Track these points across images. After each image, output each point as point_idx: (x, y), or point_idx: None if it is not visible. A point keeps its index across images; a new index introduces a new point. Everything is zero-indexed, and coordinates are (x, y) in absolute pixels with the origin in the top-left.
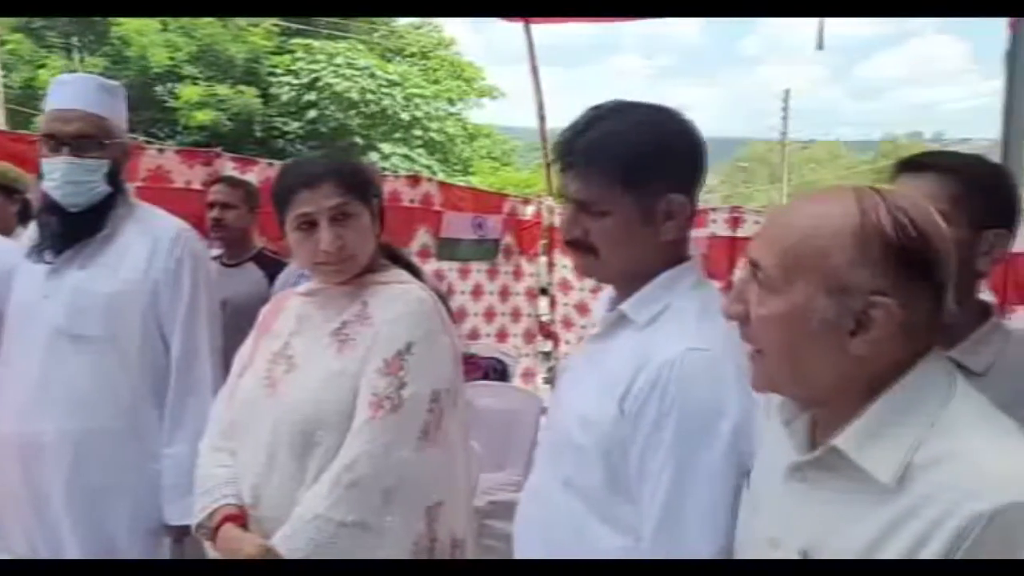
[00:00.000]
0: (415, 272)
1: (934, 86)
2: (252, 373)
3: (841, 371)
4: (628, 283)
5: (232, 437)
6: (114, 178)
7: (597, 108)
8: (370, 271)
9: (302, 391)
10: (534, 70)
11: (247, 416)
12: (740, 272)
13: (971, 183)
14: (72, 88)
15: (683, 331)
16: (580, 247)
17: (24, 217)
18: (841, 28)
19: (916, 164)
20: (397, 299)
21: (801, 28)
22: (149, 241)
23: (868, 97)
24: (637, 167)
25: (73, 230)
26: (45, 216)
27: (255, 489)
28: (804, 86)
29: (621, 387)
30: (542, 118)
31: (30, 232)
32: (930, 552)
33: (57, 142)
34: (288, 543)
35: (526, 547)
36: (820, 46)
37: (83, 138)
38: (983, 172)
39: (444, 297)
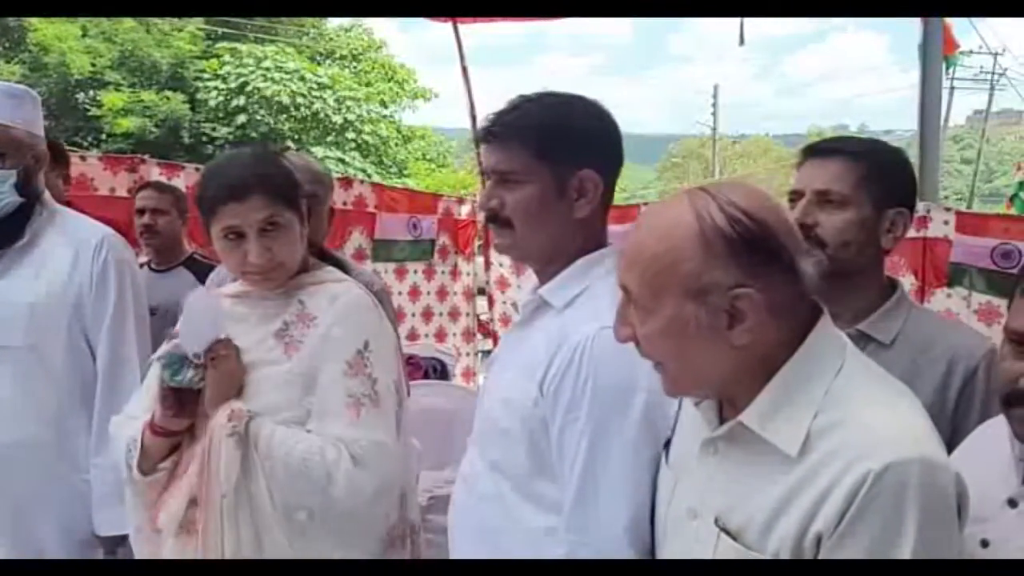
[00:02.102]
0: (344, 267)
1: (855, 80)
2: None
3: (733, 363)
4: (546, 266)
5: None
6: (26, 187)
7: (521, 95)
8: (302, 271)
9: (256, 392)
10: (464, 71)
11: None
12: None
13: (873, 166)
14: None
15: (597, 311)
16: (497, 221)
17: None
18: (764, 25)
19: (822, 150)
20: (337, 299)
21: (727, 26)
22: (72, 248)
23: (794, 92)
24: (551, 138)
25: None
26: None
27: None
28: (732, 83)
29: (540, 369)
30: (474, 118)
31: None
32: (829, 509)
33: None
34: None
35: (459, 532)
36: (742, 42)
37: None
38: (884, 156)
39: (380, 291)
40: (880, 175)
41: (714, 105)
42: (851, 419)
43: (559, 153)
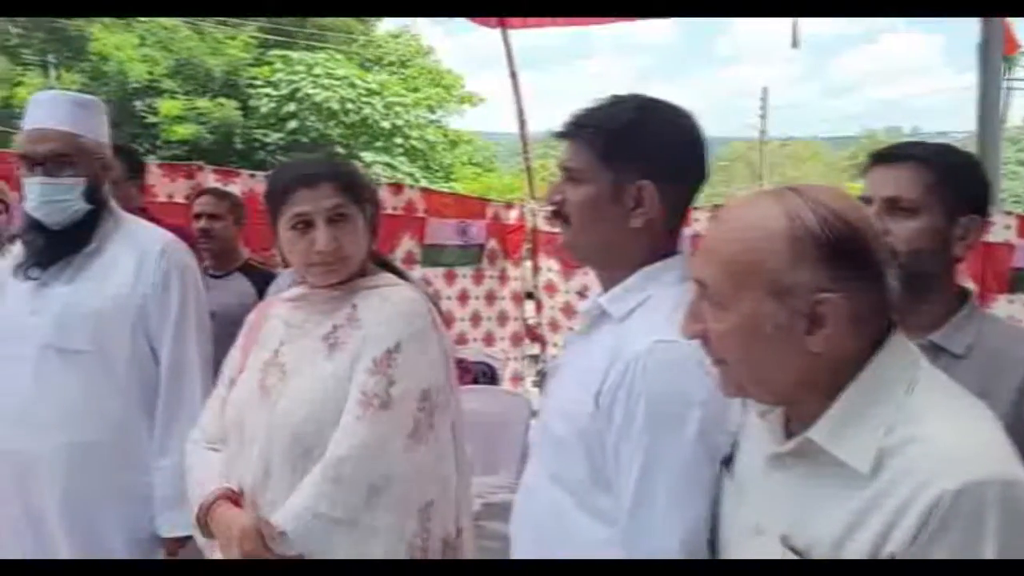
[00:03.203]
0: (403, 278)
1: (908, 81)
2: (244, 382)
3: (803, 370)
4: (606, 272)
5: (225, 445)
6: (94, 195)
7: (617, 95)
8: (360, 275)
9: (295, 398)
10: (513, 75)
11: (241, 426)
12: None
13: (944, 172)
14: (45, 107)
15: (653, 324)
16: (557, 215)
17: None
18: (814, 26)
19: (890, 155)
20: (386, 300)
21: (775, 27)
22: (136, 255)
23: (844, 94)
24: (616, 143)
25: (57, 247)
26: (29, 234)
27: (251, 498)
28: (780, 84)
29: (596, 381)
30: (522, 123)
31: (16, 249)
32: (902, 532)
33: (32, 162)
34: (283, 527)
35: (519, 542)
36: (795, 44)
37: (57, 158)
38: (955, 161)
39: (434, 301)
40: (952, 181)
41: (762, 107)
42: (924, 436)
43: (621, 159)
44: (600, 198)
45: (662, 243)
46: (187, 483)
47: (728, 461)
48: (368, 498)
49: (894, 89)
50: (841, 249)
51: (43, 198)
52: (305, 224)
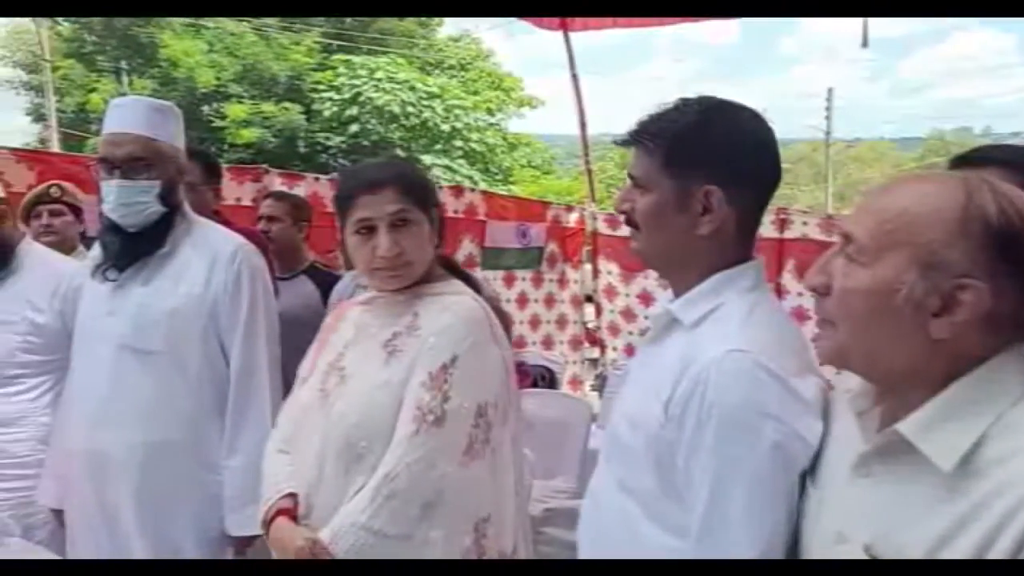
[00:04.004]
0: (472, 283)
1: (979, 81)
2: (309, 384)
3: (916, 353)
4: (678, 279)
5: (291, 446)
6: (169, 198)
7: (685, 98)
8: (426, 281)
9: (349, 403)
10: (574, 78)
11: (301, 426)
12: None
13: None
14: (123, 112)
15: (726, 332)
16: (628, 221)
17: (82, 236)
18: (881, 25)
19: (974, 159)
20: (446, 310)
21: (840, 27)
22: (208, 257)
23: (912, 94)
24: (679, 150)
25: (133, 249)
26: (106, 236)
27: (307, 499)
28: (845, 85)
29: (666, 390)
30: (582, 125)
31: (94, 251)
32: (999, 548)
33: (110, 165)
34: (331, 546)
35: (585, 549)
36: (865, 44)
37: (134, 161)
38: None
39: (500, 310)
40: None
41: (828, 108)
42: None
43: (684, 165)
44: (665, 205)
45: (733, 248)
46: (264, 482)
47: (810, 472)
48: (422, 513)
49: (964, 89)
50: (1006, 241)
51: (120, 200)
52: (368, 229)
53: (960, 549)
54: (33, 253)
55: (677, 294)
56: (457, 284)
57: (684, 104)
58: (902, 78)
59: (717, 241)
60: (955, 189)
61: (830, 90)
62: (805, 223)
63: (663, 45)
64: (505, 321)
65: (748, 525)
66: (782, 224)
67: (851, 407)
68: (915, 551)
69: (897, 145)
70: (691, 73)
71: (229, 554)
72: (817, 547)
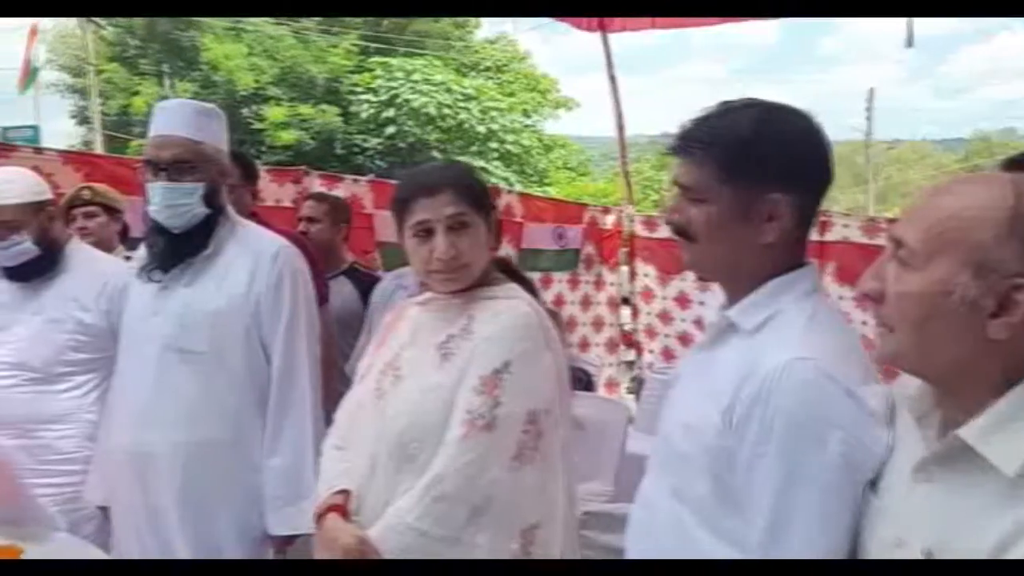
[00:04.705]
0: (529, 287)
1: (1022, 81)
2: (364, 382)
3: (974, 354)
4: (734, 285)
5: (346, 444)
6: (213, 199)
7: (727, 102)
8: (483, 284)
9: (402, 403)
10: (612, 79)
11: (357, 424)
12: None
13: None
14: (169, 115)
15: (787, 339)
16: (679, 233)
17: (123, 236)
18: (923, 25)
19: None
20: (500, 314)
21: (882, 27)
22: (251, 259)
23: (955, 95)
24: (738, 158)
25: (178, 250)
26: (152, 237)
27: (358, 499)
28: (886, 85)
29: (726, 397)
30: (621, 127)
31: (140, 252)
32: None
33: (156, 167)
34: (379, 545)
35: (636, 555)
36: (910, 43)
37: (179, 163)
38: None
39: (556, 314)
40: None
41: (868, 108)
42: None
43: (746, 174)
44: (728, 216)
45: (791, 254)
46: (321, 478)
47: (873, 482)
48: (469, 517)
49: (1009, 89)
50: None
51: (165, 201)
52: (426, 232)
53: (1022, 553)
54: (81, 253)
55: (731, 300)
56: (512, 288)
57: (731, 108)
58: (944, 78)
59: (778, 248)
60: (1003, 189)
61: (871, 90)
62: (846, 225)
63: (700, 45)
64: (560, 325)
65: (812, 536)
66: (823, 227)
67: (910, 411)
68: (976, 556)
69: (939, 146)
70: (729, 73)
71: (269, 554)
72: (875, 553)
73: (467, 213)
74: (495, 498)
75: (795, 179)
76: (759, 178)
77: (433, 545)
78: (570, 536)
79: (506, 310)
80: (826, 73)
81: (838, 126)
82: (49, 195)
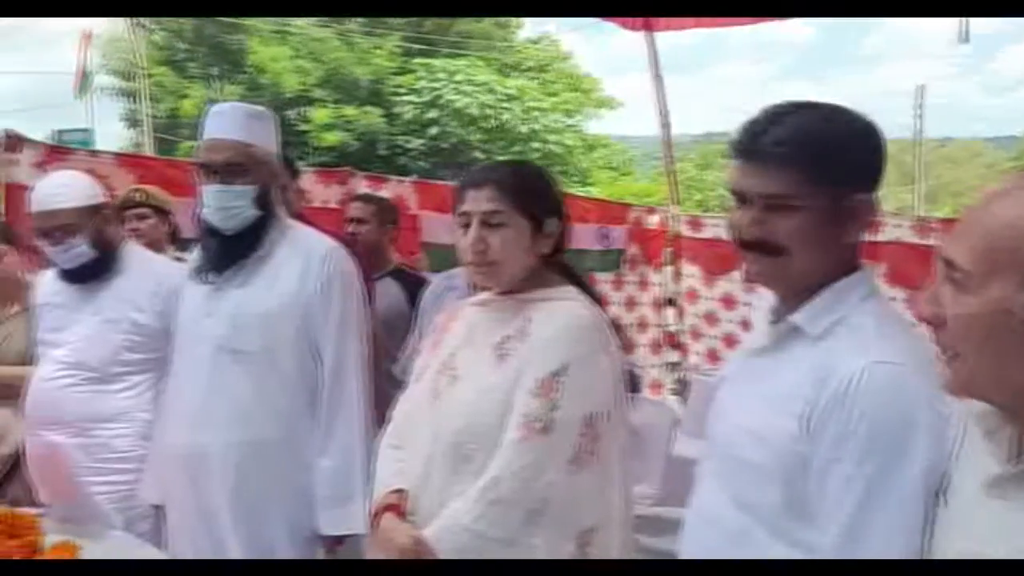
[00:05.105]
0: (587, 290)
1: None
2: (419, 383)
3: None
4: (800, 292)
5: (402, 443)
6: (264, 201)
7: (778, 106)
8: (540, 286)
9: (458, 404)
10: (658, 78)
11: (413, 424)
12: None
13: None
14: (222, 118)
15: (864, 343)
16: (762, 248)
17: (173, 237)
18: (974, 21)
19: None
20: (556, 316)
21: (927, 22)
22: (301, 260)
23: (1007, 92)
24: (828, 160)
25: (230, 251)
26: (205, 239)
27: (414, 499)
28: (934, 82)
29: (799, 403)
30: (666, 126)
31: (194, 254)
32: None
33: (209, 170)
34: (434, 545)
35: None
36: (965, 39)
37: (231, 166)
38: None
39: (614, 322)
40: None
41: (917, 106)
42: None
43: (836, 176)
44: (821, 221)
45: (853, 257)
46: (376, 476)
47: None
48: (526, 520)
49: None
50: None
51: (218, 204)
52: (466, 225)
53: None
54: (135, 255)
55: (787, 304)
56: (570, 290)
57: (798, 109)
58: (995, 75)
59: (847, 249)
60: None
61: (920, 87)
62: (898, 225)
63: (739, 44)
64: (618, 328)
65: (892, 542)
66: (873, 227)
67: (976, 424)
68: None
69: (991, 144)
70: (771, 71)
71: (320, 554)
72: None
73: (504, 212)
74: (551, 501)
75: (872, 178)
76: (848, 179)
77: (489, 546)
78: (627, 539)
79: (563, 312)
80: (870, 71)
81: (885, 124)
82: (104, 198)
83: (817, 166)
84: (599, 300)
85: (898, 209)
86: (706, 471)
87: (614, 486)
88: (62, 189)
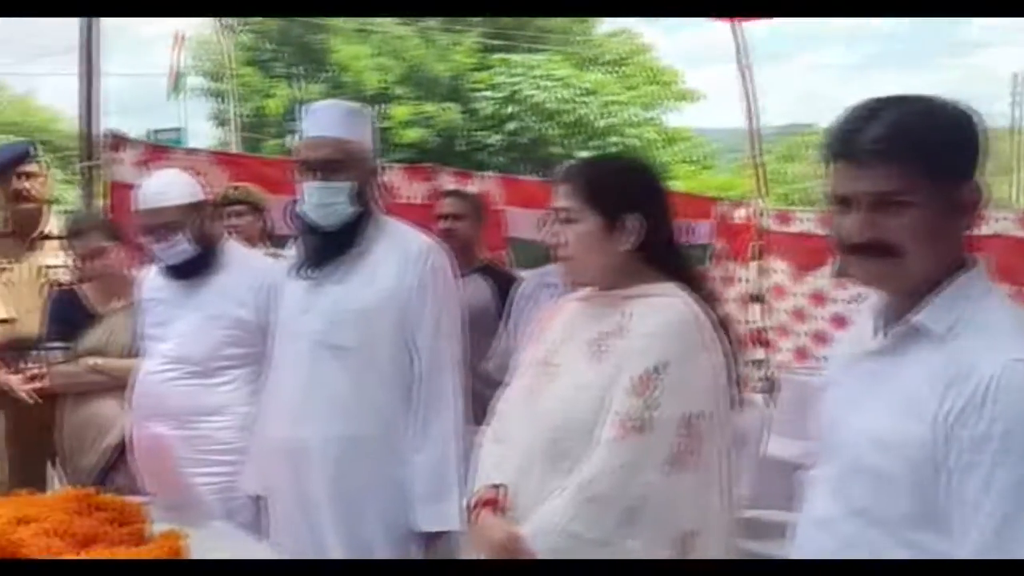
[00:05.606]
0: (697, 286)
1: None
2: (519, 378)
3: None
4: (914, 291)
5: (503, 438)
6: (362, 198)
7: (869, 103)
8: (639, 282)
9: (555, 400)
10: (748, 68)
11: (512, 420)
12: None
13: None
14: (320, 116)
15: (998, 341)
16: (874, 250)
17: (267, 234)
18: None
19: None
20: (655, 313)
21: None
22: (398, 256)
23: None
24: (931, 152)
25: (328, 248)
26: (304, 236)
27: (513, 495)
28: None
29: (929, 406)
30: (754, 118)
31: (292, 250)
32: None
33: (308, 167)
34: (531, 544)
35: None
36: None
37: (330, 163)
38: None
39: (721, 314)
40: None
41: (1015, 94)
42: None
43: (948, 167)
44: (936, 216)
45: (958, 251)
46: (480, 468)
47: None
48: (622, 521)
49: None
50: None
51: (318, 201)
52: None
53: None
54: (235, 251)
55: (902, 305)
56: (669, 286)
57: (900, 103)
58: None
59: (957, 243)
60: None
61: (1016, 75)
62: (1004, 218)
63: (825, 32)
64: (728, 325)
65: None
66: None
67: None
68: None
69: None
70: (860, 59)
71: (414, 551)
72: None
73: (575, 209)
74: (648, 502)
75: (977, 164)
76: (952, 170)
77: (584, 547)
78: (730, 545)
79: (662, 308)
80: (964, 58)
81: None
82: (205, 195)
83: (920, 159)
84: (711, 297)
85: (996, 201)
86: (820, 478)
87: (716, 489)
88: (166, 187)
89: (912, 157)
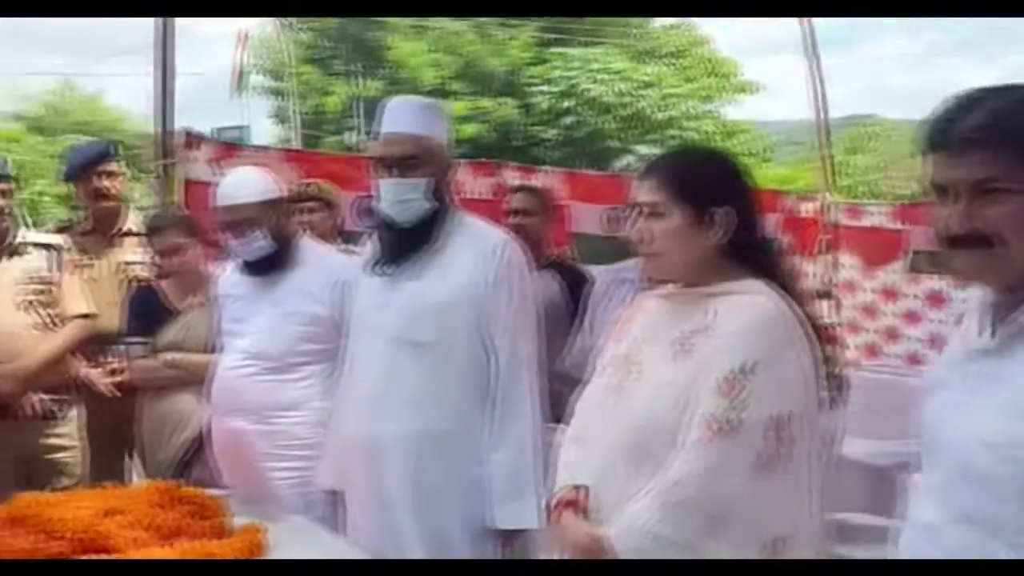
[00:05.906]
0: (786, 284)
1: None
2: (599, 376)
3: None
4: (1019, 285)
5: (584, 437)
6: (438, 193)
7: (965, 93)
8: (724, 279)
9: (638, 400)
10: (816, 58)
11: (594, 419)
12: None
13: None
14: (396, 112)
15: None
16: (975, 241)
17: (339, 230)
18: None
19: None
20: (742, 311)
21: None
22: (475, 252)
23: None
24: None
25: (405, 244)
26: (381, 232)
27: (595, 496)
28: None
29: None
30: (823, 110)
31: (368, 246)
32: None
33: (385, 164)
34: (615, 545)
35: None
36: None
37: (406, 159)
38: None
39: (810, 312)
40: None
41: None
42: None
43: None
44: None
45: None
46: (560, 467)
47: None
48: (708, 525)
49: None
50: None
51: (395, 197)
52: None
53: None
54: (310, 248)
55: (1008, 300)
56: (756, 284)
57: (981, 96)
58: None
59: None
60: None
61: None
62: None
63: (889, 22)
64: (816, 324)
65: None
66: None
67: None
68: None
69: None
70: (923, 47)
71: (491, 548)
72: None
73: (660, 203)
74: (736, 506)
75: None
76: None
77: (670, 550)
78: (821, 551)
79: (747, 306)
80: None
81: None
82: (280, 192)
83: (1019, 146)
84: (800, 295)
85: None
86: (926, 483)
87: (806, 494)
88: (244, 184)
89: (1010, 145)
